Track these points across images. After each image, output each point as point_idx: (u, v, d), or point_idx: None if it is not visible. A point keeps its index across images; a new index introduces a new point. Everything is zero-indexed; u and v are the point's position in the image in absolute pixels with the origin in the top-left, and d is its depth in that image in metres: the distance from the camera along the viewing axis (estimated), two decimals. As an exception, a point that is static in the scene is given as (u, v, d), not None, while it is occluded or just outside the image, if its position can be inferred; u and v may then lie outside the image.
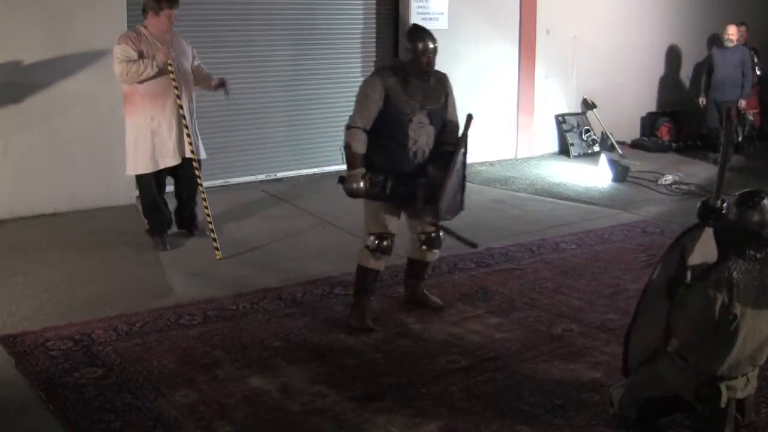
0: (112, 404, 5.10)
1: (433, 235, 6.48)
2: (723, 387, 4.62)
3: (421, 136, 6.20)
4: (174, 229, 8.38)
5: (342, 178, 6.23)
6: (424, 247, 6.52)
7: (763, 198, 4.52)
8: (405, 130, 6.15)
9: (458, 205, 6.33)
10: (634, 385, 4.93)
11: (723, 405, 4.65)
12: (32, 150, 8.98)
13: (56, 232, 8.57)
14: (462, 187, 6.33)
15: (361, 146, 6.15)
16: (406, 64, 6.23)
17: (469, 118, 6.15)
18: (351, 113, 6.30)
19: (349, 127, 6.21)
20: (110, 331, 6.15)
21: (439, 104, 6.30)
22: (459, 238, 6.36)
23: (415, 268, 6.72)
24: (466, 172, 6.38)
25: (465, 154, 6.27)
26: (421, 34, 6.22)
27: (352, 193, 6.19)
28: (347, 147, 6.18)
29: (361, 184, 6.13)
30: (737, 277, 4.45)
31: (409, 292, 6.78)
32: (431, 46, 6.18)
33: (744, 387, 4.72)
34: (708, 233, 4.80)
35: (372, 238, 6.27)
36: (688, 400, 4.76)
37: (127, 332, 6.15)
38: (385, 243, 6.28)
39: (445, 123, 6.35)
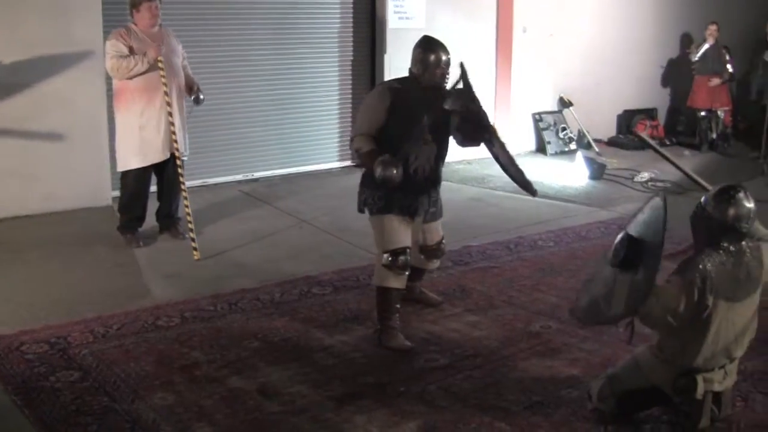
0: (89, 407, 5.07)
1: (435, 247, 6.48)
2: (700, 379, 4.67)
3: (423, 153, 6.02)
4: (146, 227, 8.37)
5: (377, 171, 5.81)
6: (422, 257, 6.49)
7: (739, 192, 4.61)
8: (407, 146, 5.97)
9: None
10: (613, 377, 4.97)
11: (699, 396, 4.70)
12: (8, 151, 8.92)
13: (32, 234, 8.52)
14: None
15: (370, 144, 5.91)
16: (418, 77, 6.04)
17: (461, 65, 5.98)
18: (354, 125, 6.15)
19: (352, 139, 6.07)
20: (87, 333, 6.11)
21: (445, 118, 6.07)
22: (521, 183, 6.07)
23: (414, 272, 6.47)
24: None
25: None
26: (433, 46, 6.05)
27: (387, 179, 5.75)
28: (357, 152, 6.02)
29: (394, 171, 5.74)
30: (711, 270, 4.52)
31: (406, 290, 6.50)
32: (444, 57, 6.02)
33: (722, 380, 4.78)
34: (651, 206, 4.89)
35: (386, 255, 6.03)
36: (666, 392, 4.80)
37: (104, 334, 6.12)
38: (401, 258, 6.02)
39: (448, 141, 6.19)
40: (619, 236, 4.87)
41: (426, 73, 6.01)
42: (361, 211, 6.27)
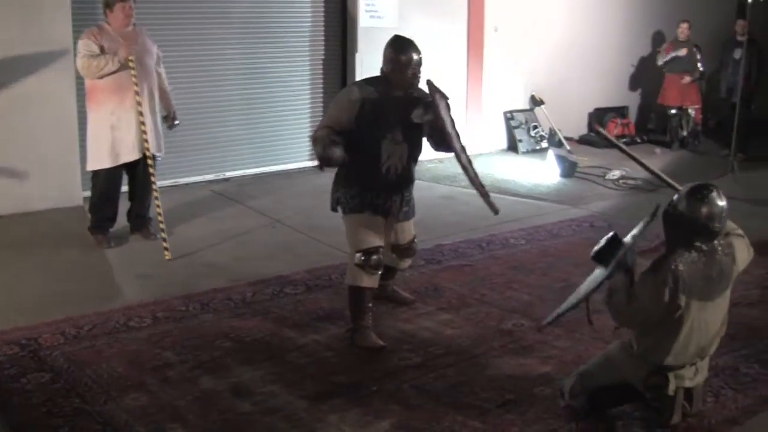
0: (60, 409, 5.04)
1: (407, 246, 6.48)
2: (671, 375, 4.72)
3: (395, 153, 6.01)
4: (117, 227, 8.33)
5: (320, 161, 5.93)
6: (394, 256, 6.47)
7: (712, 191, 4.64)
8: (378, 145, 5.95)
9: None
10: (585, 373, 5.01)
11: (671, 393, 4.74)
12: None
13: (2, 234, 8.46)
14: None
15: (324, 132, 5.89)
16: (389, 77, 6.01)
17: (428, 83, 5.95)
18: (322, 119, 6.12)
19: (315, 131, 6.06)
20: (58, 334, 6.08)
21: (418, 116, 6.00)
22: (486, 200, 6.05)
23: (387, 270, 6.47)
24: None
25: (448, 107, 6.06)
26: (404, 45, 6.00)
27: (326, 157, 5.82)
28: (312, 141, 5.99)
29: (336, 150, 5.79)
30: (683, 269, 4.56)
31: (379, 289, 6.47)
32: (416, 57, 5.97)
33: (693, 376, 4.83)
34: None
35: (359, 254, 6.01)
36: (637, 389, 4.83)
37: (75, 336, 6.08)
38: (374, 257, 6.00)
39: (420, 141, 6.17)
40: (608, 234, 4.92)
41: (397, 73, 5.98)
42: (333, 210, 6.28)
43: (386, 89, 6.01)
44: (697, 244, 4.63)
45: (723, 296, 4.78)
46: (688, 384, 4.80)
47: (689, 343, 4.69)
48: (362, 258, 5.99)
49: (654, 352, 4.73)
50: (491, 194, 6.12)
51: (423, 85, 6.05)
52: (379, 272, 6.13)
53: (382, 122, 5.94)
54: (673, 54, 13.95)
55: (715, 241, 4.68)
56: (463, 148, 6.02)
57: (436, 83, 5.98)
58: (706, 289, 4.65)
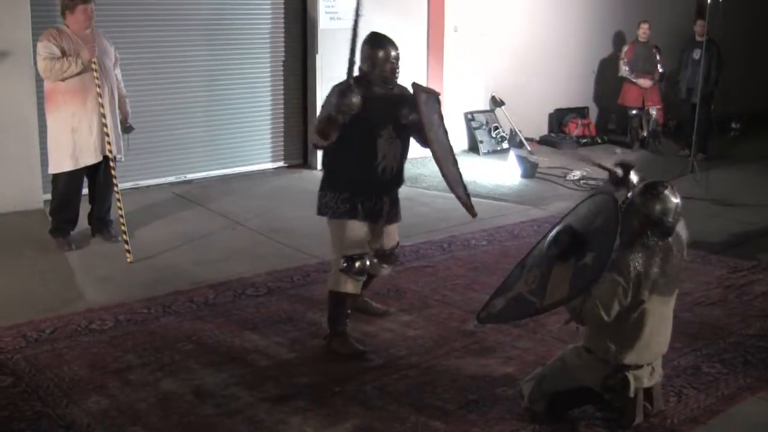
0: (21, 413, 5.02)
1: (390, 252, 6.42)
2: (631, 376, 4.76)
3: (390, 152, 5.97)
4: (78, 230, 8.28)
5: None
6: (376, 261, 6.35)
7: (666, 188, 4.76)
8: (374, 144, 5.90)
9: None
10: (542, 378, 5.03)
11: (631, 394, 4.78)
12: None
13: (-39, 238, 8.40)
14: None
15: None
16: (369, 75, 5.99)
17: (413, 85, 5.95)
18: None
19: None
20: (19, 338, 6.04)
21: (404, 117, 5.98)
22: (466, 202, 6.10)
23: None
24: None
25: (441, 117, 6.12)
26: (382, 41, 6.03)
27: (347, 107, 5.59)
28: (317, 128, 5.78)
29: (353, 98, 5.59)
30: (643, 265, 4.63)
31: None
32: (393, 53, 6.00)
33: (650, 376, 4.90)
34: (589, 204, 5.07)
35: (343, 260, 5.97)
36: (596, 392, 4.87)
37: (36, 339, 6.05)
38: (358, 264, 5.96)
39: (409, 139, 6.12)
40: (557, 228, 4.94)
41: (376, 70, 5.98)
42: (321, 214, 6.15)
43: (368, 87, 5.95)
44: (654, 240, 4.72)
45: (676, 291, 4.87)
46: (646, 384, 4.86)
47: (652, 340, 4.77)
48: (346, 264, 5.96)
49: (616, 352, 4.77)
50: (452, 194, 6.14)
51: (404, 83, 6.07)
52: (363, 278, 6.11)
53: (375, 120, 5.88)
54: (634, 79, 14.06)
55: (671, 239, 4.76)
56: (450, 149, 6.14)
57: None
58: (665, 285, 4.74)
